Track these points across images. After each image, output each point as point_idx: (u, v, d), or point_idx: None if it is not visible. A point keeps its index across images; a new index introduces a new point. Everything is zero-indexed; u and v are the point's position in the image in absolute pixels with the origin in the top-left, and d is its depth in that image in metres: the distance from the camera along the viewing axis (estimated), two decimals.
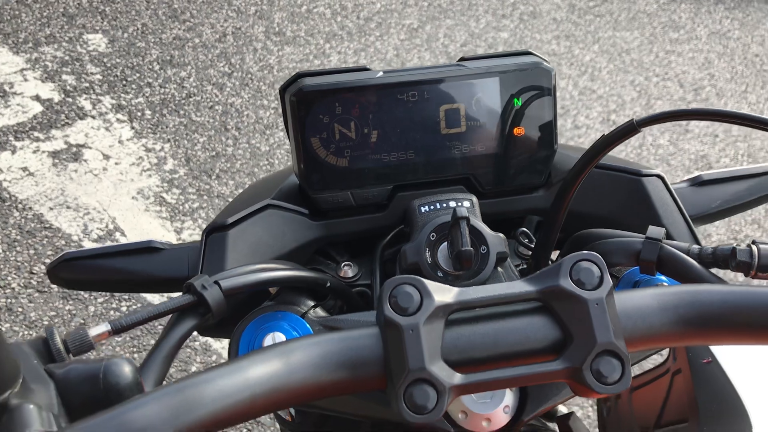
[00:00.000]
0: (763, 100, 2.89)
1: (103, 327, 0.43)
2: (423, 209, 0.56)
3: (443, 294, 0.40)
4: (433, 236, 0.54)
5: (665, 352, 0.71)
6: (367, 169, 0.58)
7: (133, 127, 2.49)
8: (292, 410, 0.99)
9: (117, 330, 0.44)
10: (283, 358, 0.39)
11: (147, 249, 0.60)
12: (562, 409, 0.69)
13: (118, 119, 2.52)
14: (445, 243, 0.53)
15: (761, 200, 0.64)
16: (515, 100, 0.58)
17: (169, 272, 0.59)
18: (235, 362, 0.39)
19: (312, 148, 0.57)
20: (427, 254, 0.53)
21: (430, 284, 0.40)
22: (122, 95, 2.62)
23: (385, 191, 0.59)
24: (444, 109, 0.58)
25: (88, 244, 2.06)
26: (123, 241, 2.08)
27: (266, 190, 0.60)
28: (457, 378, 0.39)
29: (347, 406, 0.51)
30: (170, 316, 0.46)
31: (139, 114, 2.55)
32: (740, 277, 1.84)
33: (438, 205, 0.56)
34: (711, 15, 3.41)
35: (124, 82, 2.69)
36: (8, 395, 0.35)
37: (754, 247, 0.47)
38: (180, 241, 0.61)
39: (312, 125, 0.57)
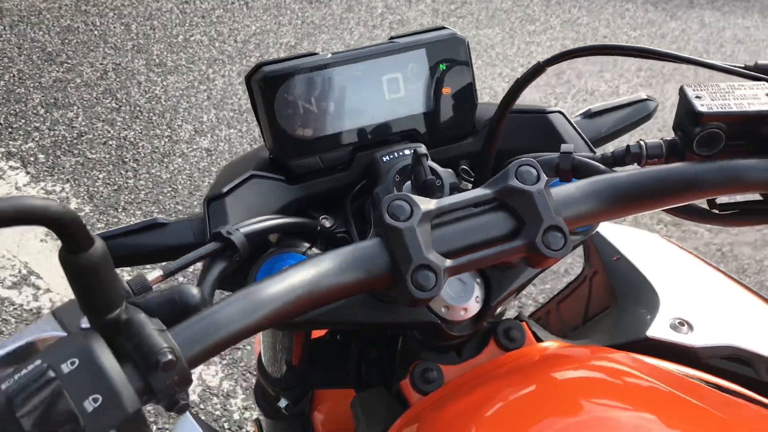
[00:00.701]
0: (617, 76, 3.21)
1: (157, 272, 0.52)
2: (384, 159, 0.68)
3: (427, 204, 0.52)
4: (397, 177, 0.66)
5: (582, 263, 0.86)
6: (329, 136, 0.69)
7: (28, 172, 2.47)
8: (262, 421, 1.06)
9: (167, 274, 0.53)
10: (313, 268, 0.50)
11: (154, 225, 0.68)
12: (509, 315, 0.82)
13: (10, 166, 2.48)
14: (409, 181, 0.65)
15: (639, 122, 0.80)
16: (440, 65, 0.71)
17: (179, 241, 0.67)
18: (279, 274, 0.49)
19: (280, 124, 0.68)
20: (395, 191, 0.65)
21: (416, 197, 0.52)
22: (10, 142, 2.59)
23: (347, 152, 0.70)
24: (385, 78, 0.70)
25: (3, 292, 2.04)
26: (40, 284, 2.07)
27: (245, 165, 0.70)
28: (447, 262, 0.51)
29: (363, 316, 0.62)
30: (203, 262, 0.56)
31: (32, 159, 2.53)
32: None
33: (396, 154, 0.69)
34: (561, 5, 3.74)
35: (10, 129, 2.65)
36: (120, 311, 0.44)
37: (642, 143, 0.62)
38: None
39: (278, 104, 0.67)
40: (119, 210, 2.34)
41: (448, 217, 0.54)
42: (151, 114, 2.78)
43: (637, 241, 0.82)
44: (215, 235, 0.57)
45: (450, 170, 0.68)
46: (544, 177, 0.54)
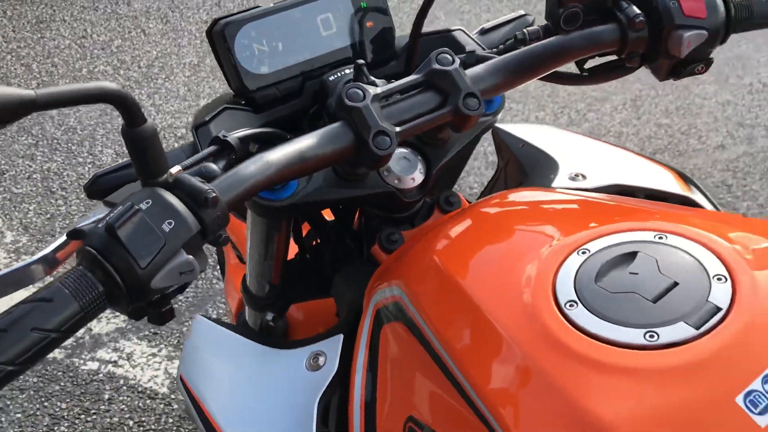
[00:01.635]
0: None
1: (177, 167, 0.67)
2: (330, 79, 0.85)
3: (374, 89, 0.70)
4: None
5: (495, 161, 1.06)
6: (281, 70, 0.86)
7: None
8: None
9: (184, 168, 0.68)
10: (301, 142, 0.67)
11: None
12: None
13: None
14: None
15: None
16: (362, 4, 0.89)
17: (175, 164, 0.82)
18: (278, 146, 0.65)
19: (240, 64, 0.84)
20: None
21: (365, 85, 0.69)
22: None
23: (298, 82, 0.87)
24: (319, 18, 0.87)
25: None
26: None
27: (217, 103, 0.86)
28: (397, 129, 0.68)
29: (336, 193, 0.78)
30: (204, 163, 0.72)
31: None
32: None
33: (339, 74, 0.86)
34: None
35: None
36: (167, 175, 0.59)
37: (525, 31, 0.82)
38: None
39: (236, 48, 0.83)
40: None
41: (391, 99, 0.71)
42: (69, 144, 2.84)
43: (536, 130, 1.02)
44: (215, 139, 0.72)
45: (384, 80, 0.86)
46: (457, 59, 0.72)
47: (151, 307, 0.58)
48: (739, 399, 0.51)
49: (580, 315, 0.58)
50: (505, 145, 1.01)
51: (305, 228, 1.03)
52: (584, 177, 0.89)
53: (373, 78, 0.84)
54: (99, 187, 0.82)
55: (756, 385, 0.52)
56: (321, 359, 0.76)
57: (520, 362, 0.58)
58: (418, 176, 0.82)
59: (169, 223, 0.55)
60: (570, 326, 0.58)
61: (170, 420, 1.84)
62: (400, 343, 0.69)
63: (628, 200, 0.77)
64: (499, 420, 0.56)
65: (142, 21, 3.58)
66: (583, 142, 0.99)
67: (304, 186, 0.78)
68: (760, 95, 3.27)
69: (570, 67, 0.88)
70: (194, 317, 0.90)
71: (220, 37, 0.83)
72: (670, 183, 0.88)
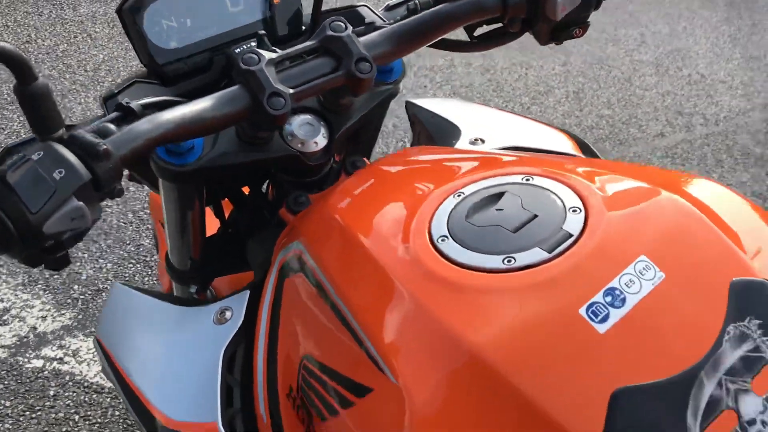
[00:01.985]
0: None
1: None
2: (237, 50, 0.89)
3: (270, 54, 0.73)
4: None
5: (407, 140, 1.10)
6: (190, 45, 0.88)
7: None
8: None
9: (82, 127, 0.71)
10: (198, 104, 0.70)
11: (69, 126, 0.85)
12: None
13: None
14: None
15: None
16: None
17: None
18: (174, 107, 0.68)
19: (150, 40, 0.87)
20: None
21: (261, 51, 0.72)
22: None
23: (206, 56, 0.90)
24: None
25: None
26: None
27: (129, 77, 0.88)
28: (291, 90, 0.72)
29: (241, 157, 0.81)
30: None
31: None
32: None
33: (245, 46, 0.89)
34: None
35: None
36: (62, 132, 0.62)
37: (415, 1, 0.86)
38: None
39: (146, 24, 0.86)
40: None
41: (288, 64, 0.75)
42: None
43: (446, 103, 1.06)
44: (118, 105, 0.75)
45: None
46: (350, 26, 0.76)
47: (46, 254, 0.61)
48: (582, 310, 0.56)
49: (450, 247, 0.63)
50: (417, 118, 1.05)
51: (228, 208, 1.06)
52: (483, 141, 0.94)
53: (274, 48, 0.87)
54: None
55: (598, 297, 0.56)
56: (228, 314, 0.79)
57: (397, 293, 0.62)
58: (321, 140, 0.85)
59: (60, 172, 0.58)
60: (440, 257, 0.62)
61: (116, 413, 1.84)
62: (299, 292, 0.73)
63: (507, 153, 0.82)
64: (378, 347, 0.60)
65: (89, 25, 3.57)
66: (487, 112, 1.04)
67: (209, 151, 0.81)
68: (699, 85, 3.37)
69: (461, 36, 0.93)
70: (112, 284, 0.92)
71: (129, 14, 0.86)
72: (563, 144, 0.93)
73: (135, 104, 0.76)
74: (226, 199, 1.04)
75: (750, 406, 0.55)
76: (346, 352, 0.63)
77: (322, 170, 0.89)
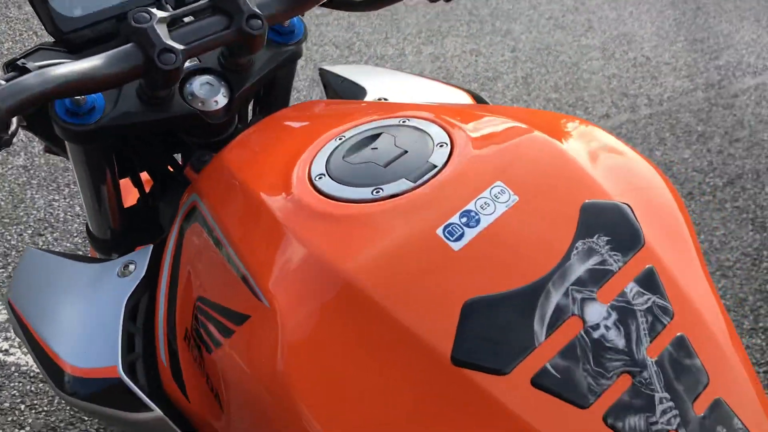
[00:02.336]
0: (401, 40, 3.58)
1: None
2: (131, 16, 0.91)
3: (162, 13, 0.76)
4: None
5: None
6: (95, 12, 0.91)
7: None
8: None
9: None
10: (91, 61, 0.72)
11: None
12: None
13: None
14: None
15: None
16: None
17: None
18: (68, 63, 0.71)
19: (53, 8, 0.89)
20: None
21: (153, 9, 0.75)
22: None
23: (112, 24, 0.92)
24: None
25: None
26: None
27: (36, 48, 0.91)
28: (183, 47, 0.75)
29: (141, 116, 0.83)
30: None
31: None
32: None
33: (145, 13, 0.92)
34: None
35: None
36: None
37: None
38: None
39: None
40: None
41: (181, 23, 0.78)
42: None
43: (356, 68, 1.10)
44: (15, 65, 0.77)
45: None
46: None
47: None
48: (439, 231, 0.60)
49: (325, 184, 0.66)
50: (329, 82, 1.08)
51: (149, 185, 1.08)
52: (386, 99, 0.97)
53: (170, 8, 0.90)
54: None
55: (454, 219, 0.60)
56: (131, 267, 0.82)
57: (273, 227, 0.65)
58: (221, 99, 0.88)
59: None
60: (315, 192, 0.65)
61: (63, 402, 1.85)
62: (195, 240, 0.76)
63: (396, 104, 0.86)
64: (254, 275, 0.63)
65: (35, 23, 3.55)
66: (394, 74, 1.07)
67: (110, 111, 0.83)
68: (644, 68, 3.45)
69: None
70: (25, 249, 0.94)
71: None
72: (462, 100, 0.97)
73: (31, 65, 0.78)
74: (145, 172, 1.07)
75: (594, 312, 0.59)
76: (229, 285, 0.66)
77: (227, 130, 0.92)
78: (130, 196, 1.11)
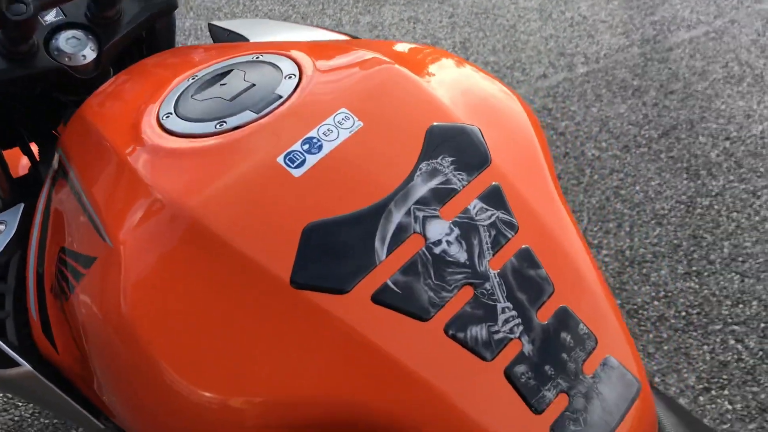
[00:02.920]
0: (338, 11, 3.56)
1: None
2: None
3: None
4: None
5: None
6: None
7: None
8: None
9: None
10: None
11: None
12: None
13: None
14: None
15: None
16: None
17: None
18: None
19: None
20: None
21: None
22: None
23: None
24: None
25: None
26: None
27: None
28: None
29: (12, 72, 0.82)
30: None
31: None
32: None
33: None
34: None
35: None
36: None
37: None
38: None
39: None
40: None
41: None
42: None
43: (244, 22, 1.09)
44: None
45: None
46: None
47: None
48: (280, 159, 0.60)
49: (171, 122, 0.66)
50: (216, 36, 1.07)
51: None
52: None
53: None
54: None
55: (296, 147, 0.60)
56: (1, 227, 0.80)
57: (119, 167, 0.65)
58: (89, 54, 0.87)
59: None
60: (162, 131, 0.65)
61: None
62: (60, 193, 0.75)
63: (253, 43, 0.85)
64: (100, 216, 0.62)
65: None
66: (282, 25, 1.07)
67: None
68: (580, 27, 3.47)
69: None
70: None
71: None
72: None
73: None
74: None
75: (436, 229, 0.59)
76: (81, 230, 0.66)
77: (98, 85, 0.90)
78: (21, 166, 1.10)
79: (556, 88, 2.99)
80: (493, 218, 0.61)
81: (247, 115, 0.64)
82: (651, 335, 1.94)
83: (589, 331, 0.60)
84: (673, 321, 1.97)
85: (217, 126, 0.63)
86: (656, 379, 1.82)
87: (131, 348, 0.58)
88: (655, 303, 2.03)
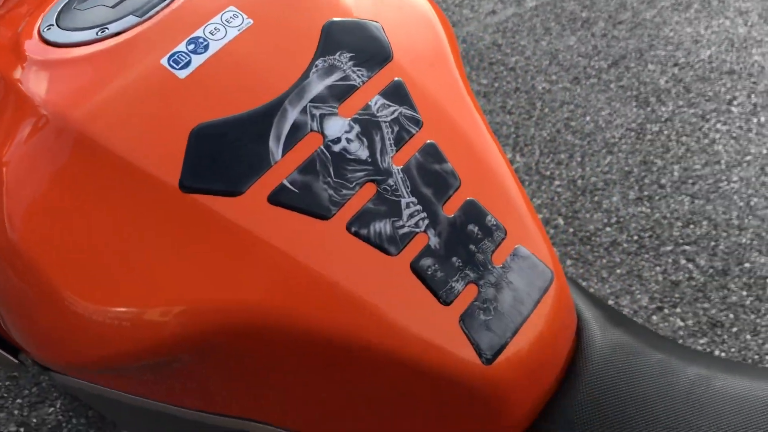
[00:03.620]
0: None
1: None
2: None
3: None
4: None
5: None
6: None
7: None
8: None
9: None
10: None
11: None
12: None
13: None
14: None
15: None
16: None
17: None
18: None
19: None
20: None
21: None
22: None
23: None
24: None
25: None
26: None
27: None
28: None
29: None
30: None
31: None
32: None
33: None
34: None
35: None
36: None
37: None
38: None
39: None
40: None
41: None
42: None
43: None
44: None
45: None
46: None
47: None
48: (164, 61, 0.57)
49: (53, 33, 0.62)
50: None
51: None
52: None
53: None
54: None
55: (180, 47, 0.57)
56: None
57: (9, 93, 0.61)
58: None
59: None
60: (42, 43, 0.61)
61: None
62: None
63: None
64: None
65: None
66: None
67: None
68: None
69: None
70: None
71: None
72: None
73: None
74: None
75: (335, 127, 0.57)
76: None
77: None
78: None
79: (505, 23, 2.96)
80: (395, 114, 0.59)
81: (130, 20, 0.60)
82: (604, 260, 1.96)
83: (497, 222, 0.58)
84: (625, 245, 1.99)
85: (99, 33, 0.60)
86: (610, 302, 1.84)
87: (24, 272, 0.55)
88: (608, 229, 2.04)
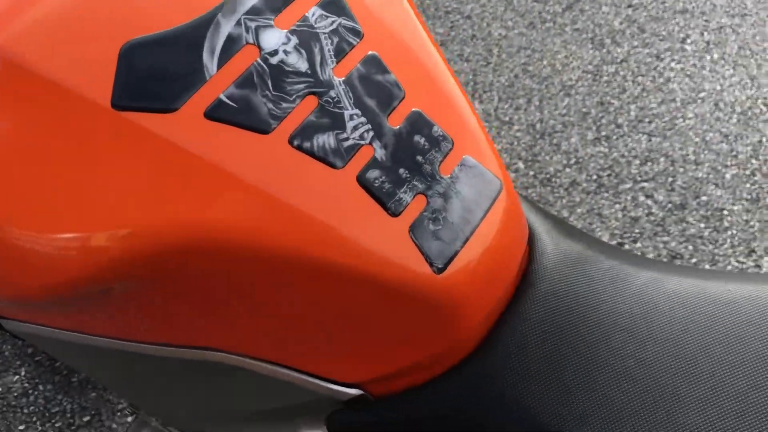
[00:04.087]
0: None
1: None
2: None
3: None
4: None
5: None
6: None
7: None
8: None
9: None
10: None
11: None
12: None
13: None
14: None
15: None
16: None
17: None
18: None
19: None
20: None
21: None
22: None
23: None
24: None
25: None
26: None
27: None
28: None
29: None
30: None
31: None
32: None
33: None
34: None
35: None
36: None
37: None
38: None
39: None
40: None
41: None
42: None
43: None
44: None
45: None
46: None
47: None
48: None
49: None
50: None
51: None
52: None
53: None
54: None
55: None
56: None
57: None
58: None
59: None
60: None
61: None
62: None
63: None
64: None
65: None
66: None
67: None
68: None
69: None
70: None
71: None
72: None
73: None
74: None
75: (271, 39, 0.55)
76: None
77: None
78: None
79: None
80: (334, 25, 0.57)
81: None
82: (564, 200, 1.97)
83: (444, 133, 0.57)
84: (585, 185, 2.00)
85: None
86: None
87: None
88: (567, 170, 2.05)
